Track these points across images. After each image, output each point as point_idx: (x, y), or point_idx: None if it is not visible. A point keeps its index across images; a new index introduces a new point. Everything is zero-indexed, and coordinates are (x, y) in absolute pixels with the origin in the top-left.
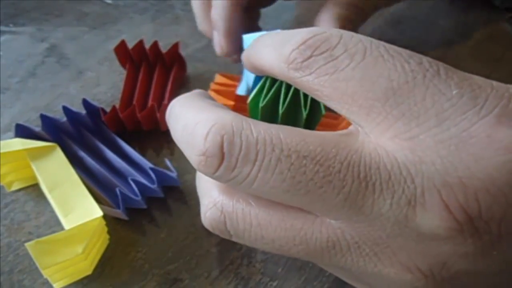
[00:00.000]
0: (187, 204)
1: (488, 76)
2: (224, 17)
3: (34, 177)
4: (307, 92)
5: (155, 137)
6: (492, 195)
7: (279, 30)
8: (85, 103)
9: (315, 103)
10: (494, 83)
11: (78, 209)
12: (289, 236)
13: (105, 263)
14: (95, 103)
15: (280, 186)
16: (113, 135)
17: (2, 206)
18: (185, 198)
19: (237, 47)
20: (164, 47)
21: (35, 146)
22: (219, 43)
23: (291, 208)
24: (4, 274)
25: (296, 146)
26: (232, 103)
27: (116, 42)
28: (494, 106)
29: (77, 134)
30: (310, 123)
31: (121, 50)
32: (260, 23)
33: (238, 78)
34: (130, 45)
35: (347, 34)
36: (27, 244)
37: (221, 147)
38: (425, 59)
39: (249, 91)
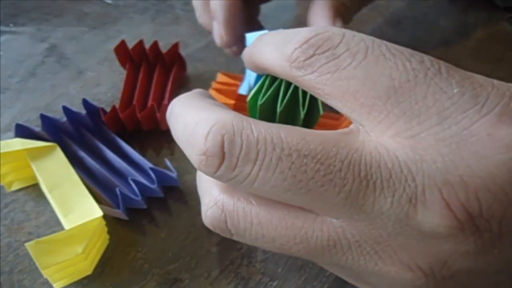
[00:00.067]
0: (187, 204)
1: (488, 76)
2: (224, 6)
3: (34, 177)
4: (309, 91)
5: (155, 137)
6: (493, 193)
7: (281, 29)
8: (85, 103)
9: (313, 103)
10: (495, 81)
11: (78, 209)
12: (290, 235)
13: (105, 263)
14: (95, 103)
15: (281, 185)
16: (113, 135)
17: (2, 206)
18: (185, 198)
19: (237, 38)
20: (164, 47)
21: (35, 146)
22: (219, 33)
23: (292, 207)
24: (4, 274)
25: (296, 145)
26: (233, 102)
27: (116, 42)
28: (495, 104)
29: (77, 134)
30: (308, 123)
31: (121, 50)
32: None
33: (240, 77)
34: (130, 45)
35: (349, 33)
36: (27, 244)
37: (222, 146)
38: (426, 58)
39: (251, 89)
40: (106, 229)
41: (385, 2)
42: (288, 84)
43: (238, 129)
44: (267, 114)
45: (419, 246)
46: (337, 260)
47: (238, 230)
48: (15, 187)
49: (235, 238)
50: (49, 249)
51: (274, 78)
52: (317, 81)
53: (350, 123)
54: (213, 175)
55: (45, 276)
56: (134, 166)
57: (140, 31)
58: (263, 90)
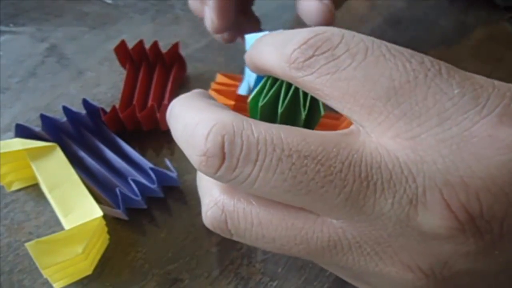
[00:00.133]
0: (187, 204)
1: (488, 76)
2: None
3: (34, 177)
4: (309, 92)
5: (155, 137)
6: (494, 194)
7: (281, 30)
8: (85, 103)
9: (314, 104)
10: (496, 82)
11: (78, 209)
12: (290, 235)
13: (105, 263)
14: (95, 103)
15: (281, 186)
16: (113, 135)
17: (2, 206)
18: (185, 198)
19: (228, 24)
20: (164, 47)
21: (35, 146)
22: (210, 18)
23: (292, 208)
24: (4, 274)
25: (297, 146)
26: (232, 102)
27: (116, 42)
28: (495, 105)
29: (77, 134)
30: (309, 123)
31: (121, 50)
32: (260, 24)
33: (239, 78)
34: (130, 45)
35: (348, 33)
36: (27, 244)
37: (222, 147)
38: (426, 59)
39: (251, 91)
40: (106, 229)
41: (385, 2)
42: (289, 85)
43: (238, 130)
44: (268, 115)
45: (419, 247)
46: (338, 260)
47: (238, 230)
48: (15, 187)
49: (235, 238)
50: (49, 249)
51: (275, 79)
52: (317, 82)
53: (351, 122)
54: (213, 175)
55: (45, 276)
56: (134, 166)
57: (140, 31)
58: (264, 91)
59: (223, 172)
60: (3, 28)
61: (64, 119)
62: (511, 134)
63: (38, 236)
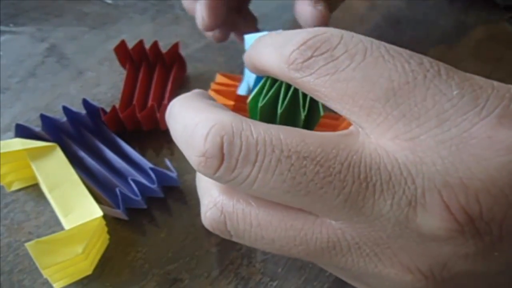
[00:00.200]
0: (187, 204)
1: (488, 76)
2: None
3: (34, 177)
4: (308, 93)
5: (155, 137)
6: (493, 196)
7: (280, 31)
8: (85, 103)
9: (314, 104)
10: (495, 83)
11: (78, 209)
12: (290, 237)
13: (105, 263)
14: (95, 103)
15: (281, 187)
16: (113, 135)
17: (2, 206)
18: (185, 198)
19: (219, 22)
20: (164, 47)
21: (35, 146)
22: (201, 15)
23: (291, 209)
24: (4, 274)
25: (296, 146)
26: (232, 103)
27: (116, 42)
28: (495, 106)
29: (77, 134)
30: (309, 124)
31: (121, 50)
32: (260, 23)
33: (238, 78)
34: (130, 45)
35: (347, 34)
36: (27, 244)
37: (221, 148)
38: (425, 59)
39: (250, 91)
40: (106, 229)
41: (385, 2)
42: (289, 85)
43: (237, 130)
44: (268, 115)
45: (419, 248)
46: (337, 261)
47: (238, 231)
48: (15, 187)
49: (234, 239)
50: (49, 249)
51: (274, 80)
52: (316, 83)
53: (350, 123)
54: (212, 176)
55: (45, 276)
56: (134, 166)
57: (140, 31)
58: (264, 92)
59: (222, 173)
60: (3, 28)
61: (64, 119)
62: (510, 136)
63: (38, 236)
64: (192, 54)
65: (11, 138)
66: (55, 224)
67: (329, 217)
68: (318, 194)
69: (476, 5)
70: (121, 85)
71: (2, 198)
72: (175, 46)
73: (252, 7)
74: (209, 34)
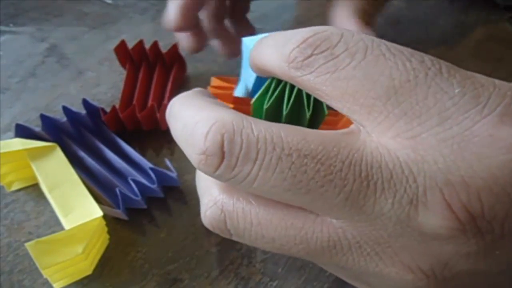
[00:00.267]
0: (187, 204)
1: (488, 76)
2: None
3: (34, 177)
4: (308, 91)
5: (155, 137)
6: (495, 194)
7: (281, 31)
8: (85, 103)
9: (318, 103)
10: (497, 81)
11: (78, 209)
12: (290, 235)
13: (105, 263)
14: (95, 103)
15: (281, 185)
16: (113, 135)
17: (2, 206)
18: (185, 198)
19: (186, 26)
20: (164, 47)
21: (35, 146)
22: (169, 13)
23: (292, 207)
24: (4, 274)
25: (297, 145)
26: (231, 106)
27: (116, 42)
28: (496, 104)
29: (77, 134)
30: (314, 123)
31: (121, 50)
32: (260, 23)
33: (234, 80)
34: (130, 45)
35: (348, 32)
36: (27, 244)
37: (222, 146)
38: (427, 58)
39: (248, 93)
40: (106, 229)
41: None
42: (293, 86)
43: (238, 128)
44: (273, 116)
45: (420, 247)
46: (337, 261)
47: (238, 230)
48: (15, 187)
49: (234, 238)
50: (49, 249)
51: (279, 81)
52: (316, 82)
53: (349, 119)
54: (212, 174)
55: (45, 276)
56: (134, 166)
57: (140, 31)
58: (269, 93)
59: (222, 171)
60: (3, 28)
61: (64, 119)
62: None
63: (38, 236)
64: (192, 54)
65: (11, 138)
66: (55, 224)
67: (329, 216)
68: (318, 192)
69: (476, 5)
70: (121, 85)
71: (2, 198)
72: (175, 46)
73: (252, 7)
74: (183, 42)
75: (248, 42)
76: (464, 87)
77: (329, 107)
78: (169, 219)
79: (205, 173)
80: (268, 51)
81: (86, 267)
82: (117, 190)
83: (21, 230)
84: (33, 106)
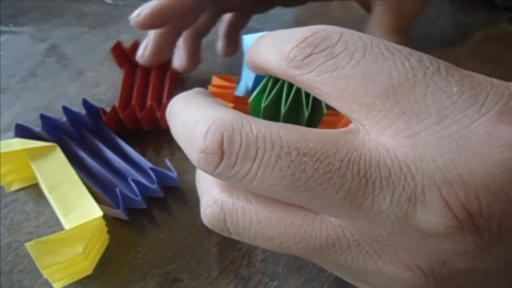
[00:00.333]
0: (187, 204)
1: (488, 76)
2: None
3: (34, 177)
4: (308, 90)
5: (155, 137)
6: (493, 192)
7: (280, 30)
8: (85, 103)
9: (316, 102)
10: (495, 80)
11: (78, 209)
12: (289, 234)
13: (105, 263)
14: (95, 103)
15: (280, 183)
16: (113, 135)
17: (2, 206)
18: (185, 198)
19: (159, 61)
20: None
21: (35, 146)
22: (145, 46)
23: (291, 206)
24: (4, 274)
25: (296, 143)
26: (231, 105)
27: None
28: (494, 103)
29: (77, 134)
30: (312, 122)
31: (118, 51)
32: (260, 23)
33: (235, 79)
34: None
35: (347, 31)
36: (27, 244)
37: (221, 144)
38: (425, 57)
39: (248, 92)
40: (106, 229)
41: None
42: (291, 84)
43: (237, 127)
44: (271, 115)
45: (418, 245)
46: (336, 259)
47: (237, 229)
48: (15, 187)
49: (234, 237)
50: (49, 249)
51: (276, 79)
52: (315, 81)
53: (350, 120)
54: (212, 173)
55: (45, 276)
56: (134, 166)
57: (140, 31)
58: (267, 91)
59: (222, 169)
60: (3, 28)
61: (64, 119)
62: (510, 132)
63: (38, 236)
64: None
65: (11, 138)
66: (55, 224)
67: (328, 214)
68: (317, 190)
69: (476, 5)
70: (120, 85)
71: (2, 198)
72: None
73: None
74: (175, 63)
75: (248, 40)
76: (462, 86)
77: (328, 107)
78: (169, 219)
79: (205, 171)
80: (267, 49)
81: (86, 267)
82: (117, 190)
83: (21, 230)
84: (33, 106)
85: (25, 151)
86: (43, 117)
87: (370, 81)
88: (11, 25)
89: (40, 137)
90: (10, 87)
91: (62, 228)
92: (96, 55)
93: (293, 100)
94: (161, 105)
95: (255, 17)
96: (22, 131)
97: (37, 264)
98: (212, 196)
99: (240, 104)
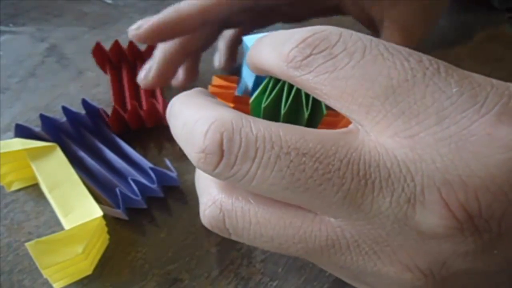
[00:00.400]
0: (187, 204)
1: (488, 76)
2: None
3: (34, 177)
4: (307, 91)
5: (156, 137)
6: (492, 193)
7: (280, 30)
8: (85, 103)
9: (316, 103)
10: (494, 81)
11: (78, 209)
12: (288, 234)
13: (105, 263)
14: (94, 103)
15: (279, 184)
16: (112, 135)
17: (2, 206)
18: (185, 198)
19: (161, 85)
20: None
21: (35, 146)
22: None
23: (291, 206)
24: (4, 274)
25: (295, 143)
26: (231, 105)
27: None
28: (494, 104)
29: (77, 134)
30: (312, 123)
31: (98, 53)
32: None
33: (235, 79)
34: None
35: (346, 32)
36: (27, 244)
37: (221, 144)
38: (424, 57)
39: (248, 91)
40: (106, 229)
41: None
42: (291, 85)
43: (237, 127)
44: (271, 115)
45: (418, 246)
46: (336, 260)
47: (237, 229)
48: (15, 187)
49: (233, 237)
50: (49, 249)
51: (277, 79)
52: (315, 81)
53: (350, 120)
54: (211, 173)
55: (45, 276)
56: (134, 166)
57: None
58: (267, 92)
59: (221, 169)
60: (3, 28)
61: (64, 119)
62: (510, 133)
63: (38, 236)
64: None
65: (11, 138)
66: (55, 224)
67: (328, 215)
68: (317, 190)
69: (476, 6)
70: (110, 87)
71: (2, 198)
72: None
73: None
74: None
75: (248, 40)
76: (461, 86)
77: (328, 108)
78: (169, 219)
79: (204, 171)
80: (267, 50)
81: (86, 267)
82: (117, 190)
83: (21, 230)
84: (33, 106)
85: (25, 151)
86: (43, 117)
87: (369, 81)
88: (11, 25)
89: (40, 137)
90: (10, 87)
91: (62, 228)
92: None
93: (293, 100)
94: (163, 103)
95: None
96: (22, 131)
97: (37, 264)
98: (211, 197)
99: (240, 104)
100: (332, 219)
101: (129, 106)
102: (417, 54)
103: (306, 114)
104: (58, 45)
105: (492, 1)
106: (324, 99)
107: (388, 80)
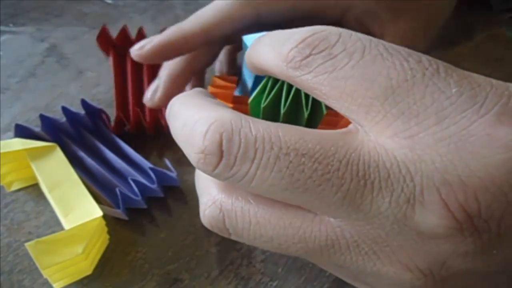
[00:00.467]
0: (187, 204)
1: (488, 76)
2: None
3: (34, 177)
4: (306, 91)
5: (156, 137)
6: (492, 193)
7: (279, 30)
8: (84, 103)
9: (316, 103)
10: (494, 81)
11: (78, 209)
12: (288, 235)
13: (105, 263)
14: (94, 103)
15: (279, 184)
16: (112, 135)
17: (2, 206)
18: (185, 198)
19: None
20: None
21: (35, 146)
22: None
23: (290, 206)
24: (4, 274)
25: (295, 144)
26: (231, 105)
27: None
28: (493, 104)
29: (77, 134)
30: (312, 123)
31: (104, 40)
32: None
33: (235, 80)
34: None
35: (346, 32)
36: (27, 244)
37: (220, 145)
38: (424, 57)
39: (247, 92)
40: (106, 229)
41: None
42: (291, 84)
43: (236, 128)
44: (271, 115)
45: (417, 246)
46: (336, 260)
47: (236, 229)
48: (15, 187)
49: (233, 237)
50: (49, 249)
51: (276, 79)
52: (314, 81)
53: (349, 120)
54: (211, 173)
55: (45, 276)
56: (134, 166)
57: None
58: (266, 92)
59: (221, 170)
60: (3, 28)
61: (64, 119)
62: (509, 133)
63: (38, 236)
64: None
65: (11, 138)
66: (55, 224)
67: (327, 215)
68: (316, 191)
69: (476, 6)
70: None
71: (2, 198)
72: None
73: None
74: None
75: (248, 40)
76: (461, 86)
77: (328, 107)
78: (169, 219)
79: (204, 172)
80: (266, 50)
81: (86, 267)
82: (117, 190)
83: (21, 230)
84: (33, 106)
85: (25, 151)
86: (43, 117)
87: (369, 81)
88: (11, 25)
89: (39, 137)
90: (10, 87)
91: (62, 228)
92: (96, 55)
93: (293, 100)
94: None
95: None
96: (22, 131)
97: (37, 264)
98: (211, 197)
99: (240, 104)
100: (331, 219)
101: (131, 106)
102: (417, 54)
103: (306, 114)
104: (58, 45)
105: (492, 1)
106: (324, 99)
107: (388, 80)
